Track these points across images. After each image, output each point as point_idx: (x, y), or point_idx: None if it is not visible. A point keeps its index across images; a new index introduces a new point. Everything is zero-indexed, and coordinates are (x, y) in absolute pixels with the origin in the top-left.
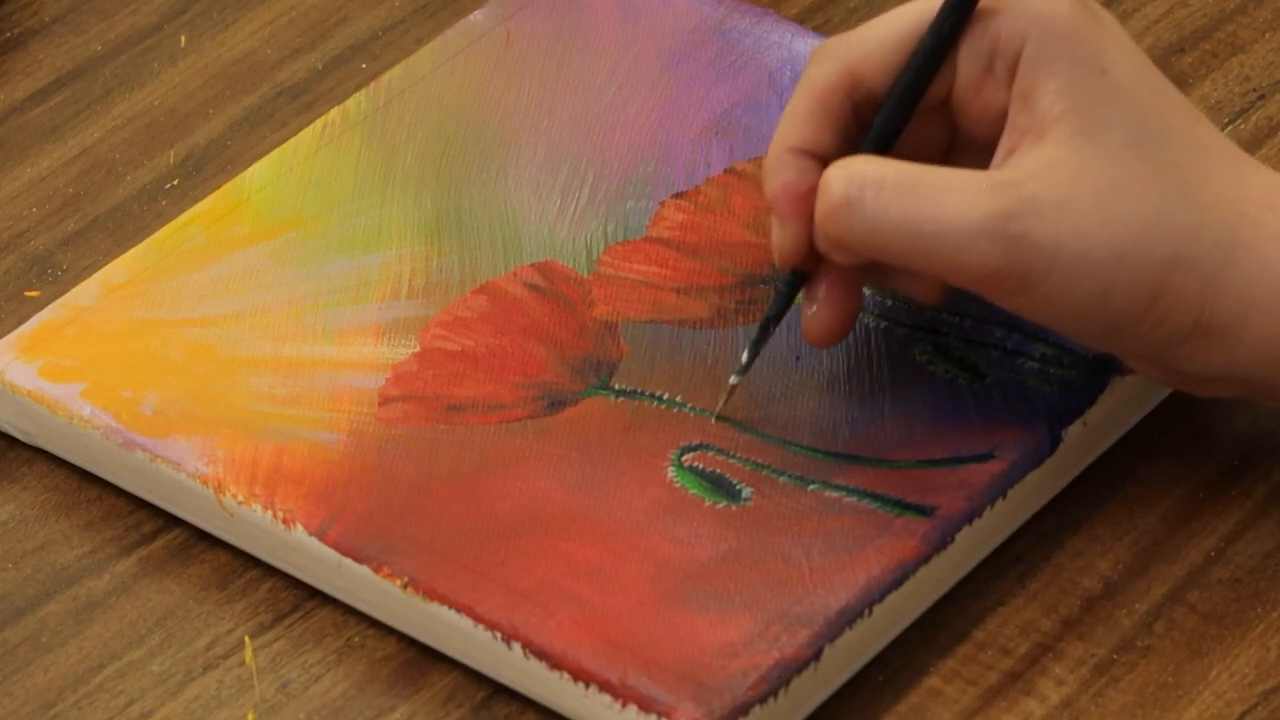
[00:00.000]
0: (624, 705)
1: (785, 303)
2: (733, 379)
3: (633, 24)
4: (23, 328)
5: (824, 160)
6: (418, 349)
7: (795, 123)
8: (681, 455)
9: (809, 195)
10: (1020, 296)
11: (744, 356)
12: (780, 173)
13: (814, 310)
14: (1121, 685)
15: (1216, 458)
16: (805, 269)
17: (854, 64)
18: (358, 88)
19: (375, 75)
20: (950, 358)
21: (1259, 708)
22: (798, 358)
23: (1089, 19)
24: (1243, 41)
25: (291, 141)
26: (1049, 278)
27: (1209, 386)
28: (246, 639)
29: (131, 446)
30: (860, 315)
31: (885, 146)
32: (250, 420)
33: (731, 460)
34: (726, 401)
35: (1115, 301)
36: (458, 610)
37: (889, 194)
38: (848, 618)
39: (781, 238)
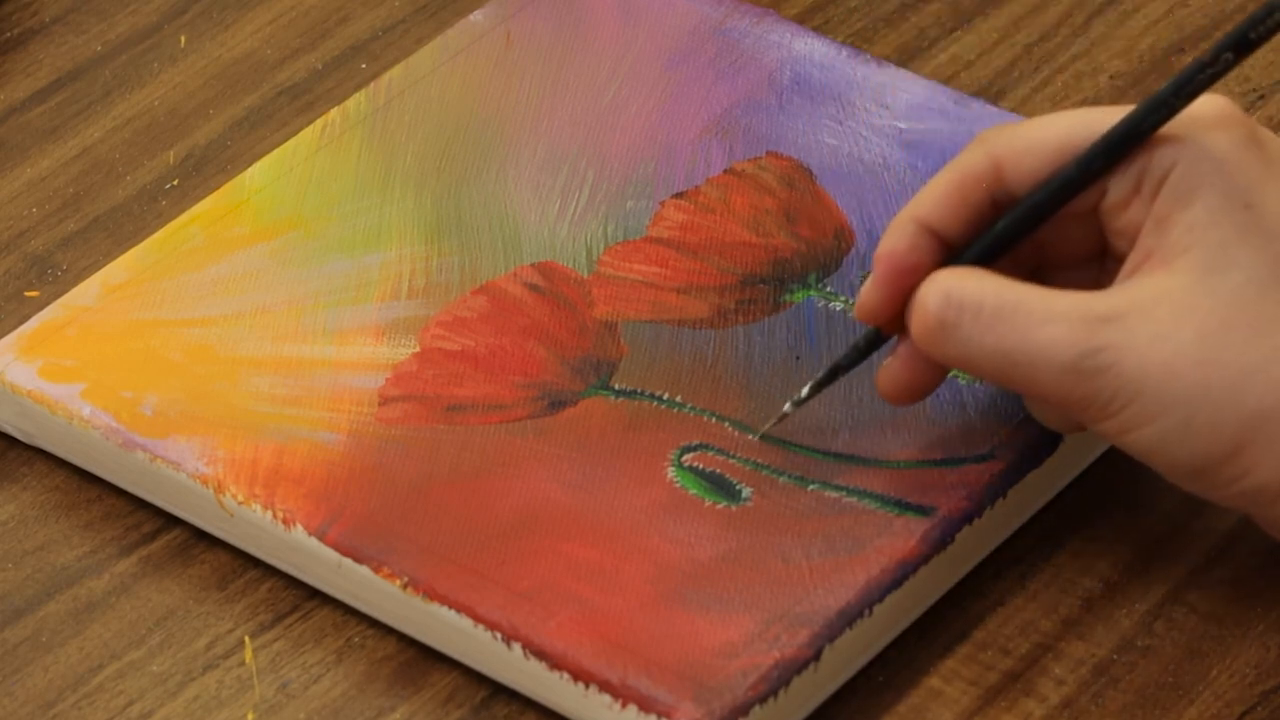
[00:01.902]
0: (624, 705)
1: (859, 357)
2: (787, 406)
3: (633, 24)
4: (23, 328)
5: (944, 240)
6: (418, 349)
7: (929, 196)
8: (681, 455)
9: (909, 271)
10: (1103, 422)
11: (804, 391)
12: (895, 237)
13: (890, 363)
14: (1121, 685)
15: None
16: (885, 332)
17: (1002, 160)
18: (358, 88)
19: (375, 75)
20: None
21: (1259, 708)
22: (798, 357)
23: (1251, 152)
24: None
25: (291, 141)
26: (1129, 407)
27: None
28: (246, 639)
29: (131, 446)
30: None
31: (990, 259)
32: (250, 420)
33: (731, 460)
34: (774, 424)
35: (1195, 442)
36: (458, 610)
37: (986, 321)
38: (848, 618)
39: (868, 296)
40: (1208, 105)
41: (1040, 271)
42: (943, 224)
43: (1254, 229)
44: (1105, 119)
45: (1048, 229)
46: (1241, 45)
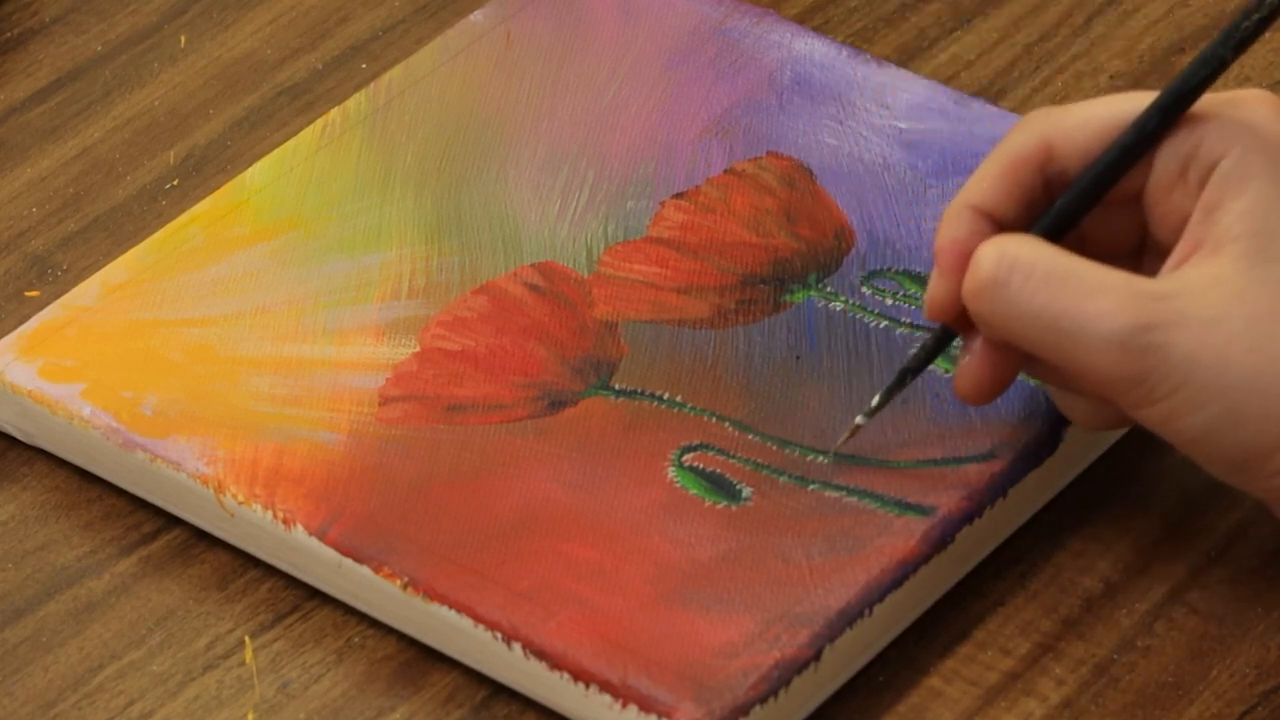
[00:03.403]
0: (624, 705)
1: (928, 357)
2: (859, 419)
3: (633, 24)
4: (23, 328)
5: (1000, 225)
6: (418, 349)
7: (982, 182)
8: (681, 455)
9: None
10: (1147, 408)
11: (875, 400)
12: (953, 226)
13: (967, 361)
14: (1121, 685)
15: None
16: (955, 328)
17: (1052, 139)
18: (358, 88)
19: (375, 75)
20: (950, 357)
21: (1259, 707)
22: (798, 357)
23: None
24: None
25: (291, 141)
26: (1177, 393)
27: None
28: (246, 639)
29: (131, 446)
30: (858, 314)
31: (1055, 235)
32: (250, 420)
33: (731, 460)
34: (848, 439)
35: (1242, 431)
36: (458, 610)
37: (1036, 282)
38: (848, 618)
39: (935, 290)
40: (1258, 95)
41: None
42: (998, 208)
43: None
44: (1152, 98)
45: (1090, 219)
46: None
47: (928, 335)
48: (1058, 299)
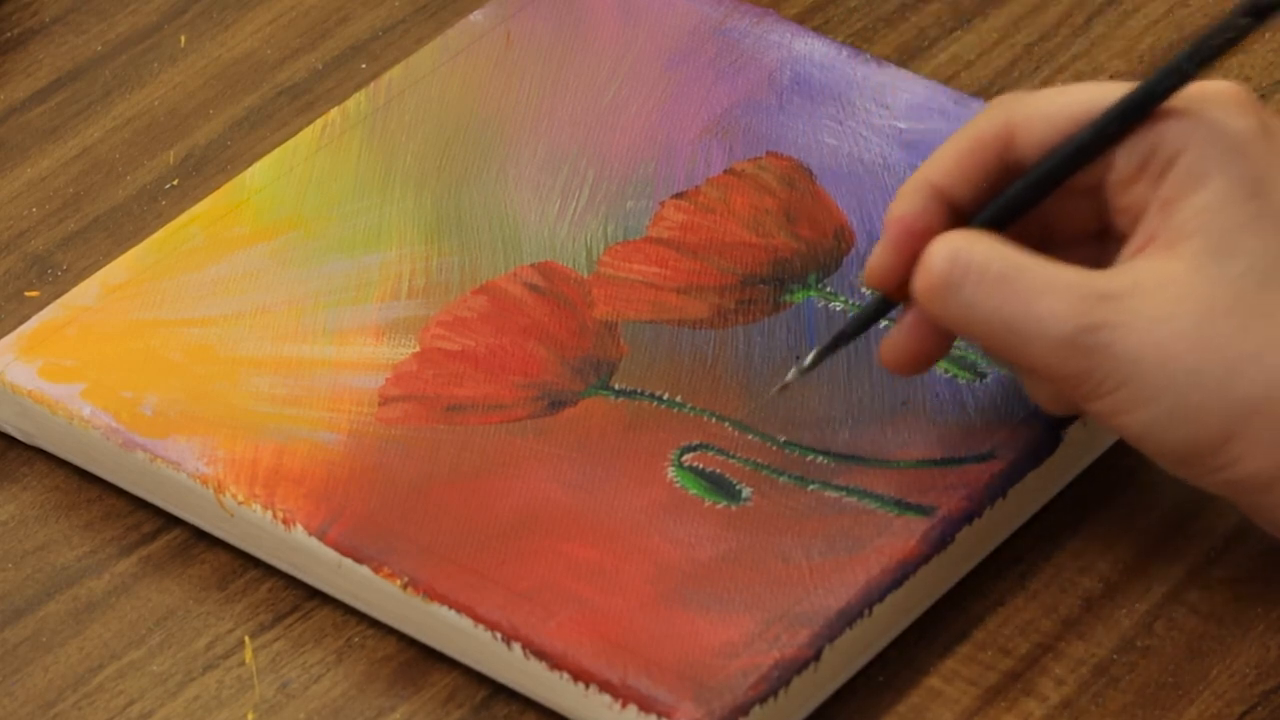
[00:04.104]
0: (624, 705)
1: (864, 324)
2: (790, 374)
3: (633, 24)
4: (23, 328)
5: (955, 206)
6: (418, 349)
7: (943, 159)
8: (681, 455)
9: (920, 234)
10: (1094, 402)
11: (809, 358)
12: (907, 201)
13: (895, 333)
14: (1121, 685)
15: None
16: (893, 298)
17: (1015, 126)
18: (358, 88)
19: (375, 75)
20: (950, 357)
21: (1259, 708)
22: (798, 357)
23: (1262, 140)
24: (1243, 41)
25: (291, 141)
26: (1122, 389)
27: None
28: (246, 639)
29: (131, 446)
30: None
31: (998, 226)
32: (250, 420)
33: (731, 460)
34: (779, 391)
35: (1186, 427)
36: (458, 610)
37: (989, 284)
38: (848, 618)
39: (877, 260)
40: (1223, 89)
41: (1043, 248)
42: (954, 188)
43: (1260, 218)
44: (1121, 91)
45: (1052, 204)
46: (1258, 9)
47: (869, 306)
48: (1009, 301)
